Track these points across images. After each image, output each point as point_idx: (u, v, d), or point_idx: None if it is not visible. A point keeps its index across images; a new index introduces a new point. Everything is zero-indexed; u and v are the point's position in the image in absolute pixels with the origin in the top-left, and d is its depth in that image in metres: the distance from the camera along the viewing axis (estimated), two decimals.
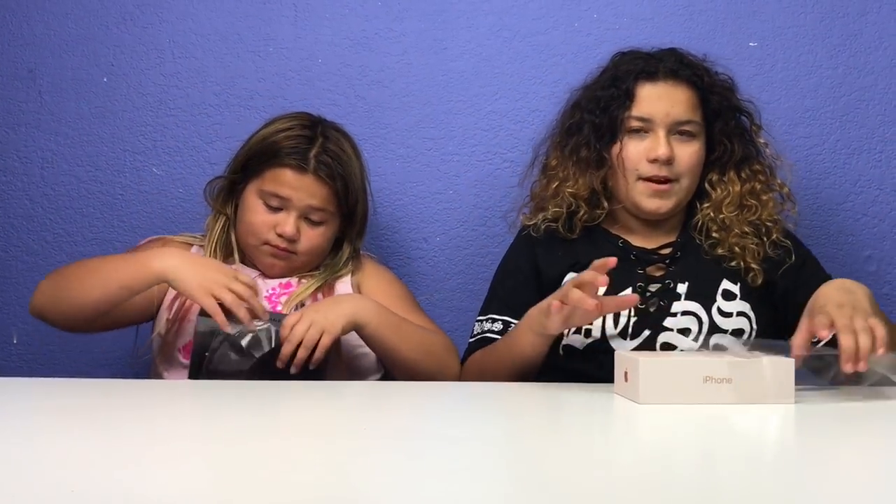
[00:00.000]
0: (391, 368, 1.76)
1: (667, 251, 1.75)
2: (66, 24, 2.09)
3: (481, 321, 1.76)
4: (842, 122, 2.11)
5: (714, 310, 1.69)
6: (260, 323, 1.62)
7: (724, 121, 1.76)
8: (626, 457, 1.08)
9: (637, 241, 1.76)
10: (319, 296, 1.78)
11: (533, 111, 2.11)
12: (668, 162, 1.70)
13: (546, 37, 2.11)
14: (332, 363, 1.65)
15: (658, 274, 1.72)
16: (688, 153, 1.72)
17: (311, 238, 1.79)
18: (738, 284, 1.72)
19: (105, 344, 2.06)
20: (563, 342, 1.67)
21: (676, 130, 1.72)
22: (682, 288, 1.70)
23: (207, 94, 2.10)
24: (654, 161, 1.70)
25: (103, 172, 2.09)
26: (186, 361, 1.69)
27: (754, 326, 1.71)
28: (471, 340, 1.76)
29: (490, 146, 2.11)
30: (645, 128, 1.72)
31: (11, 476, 0.90)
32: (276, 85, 2.10)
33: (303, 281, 1.81)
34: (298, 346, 1.59)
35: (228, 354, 1.61)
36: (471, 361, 1.73)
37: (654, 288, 1.69)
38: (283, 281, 1.81)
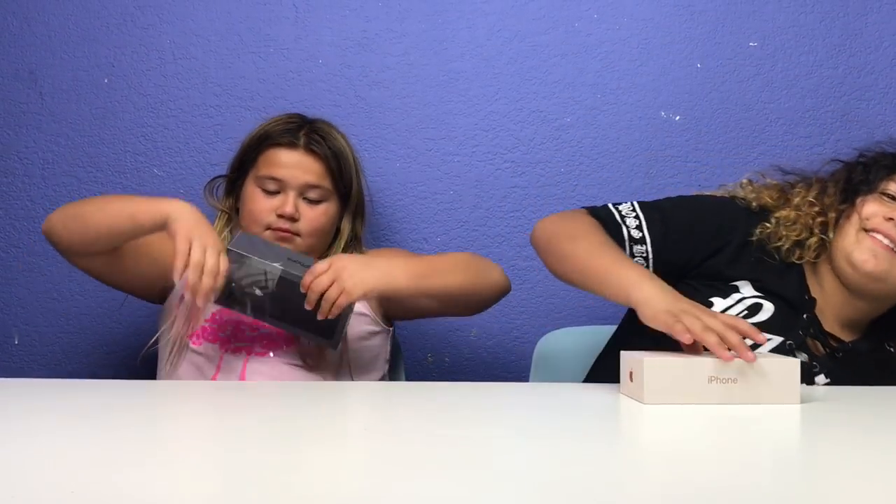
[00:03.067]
0: (441, 309, 1.81)
1: (835, 343, 1.66)
2: (67, 26, 2.09)
3: (628, 203, 1.68)
4: (842, 122, 2.11)
5: None
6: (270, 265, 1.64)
7: None
8: (631, 457, 1.07)
9: (820, 314, 1.67)
10: None
11: (533, 112, 2.11)
12: None
13: (546, 37, 2.12)
14: (345, 318, 1.66)
15: (813, 350, 1.63)
16: None
17: (312, 218, 1.81)
18: None
19: (106, 346, 2.06)
20: None
21: None
22: (820, 379, 1.62)
23: (208, 94, 2.10)
24: (889, 220, 1.64)
25: (104, 173, 2.09)
26: (198, 348, 1.72)
27: None
28: (597, 206, 1.69)
29: (490, 147, 2.11)
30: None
31: (11, 477, 0.90)
32: (277, 86, 2.10)
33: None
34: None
35: (254, 289, 1.63)
36: (566, 222, 1.64)
37: (800, 356, 1.60)
38: None
